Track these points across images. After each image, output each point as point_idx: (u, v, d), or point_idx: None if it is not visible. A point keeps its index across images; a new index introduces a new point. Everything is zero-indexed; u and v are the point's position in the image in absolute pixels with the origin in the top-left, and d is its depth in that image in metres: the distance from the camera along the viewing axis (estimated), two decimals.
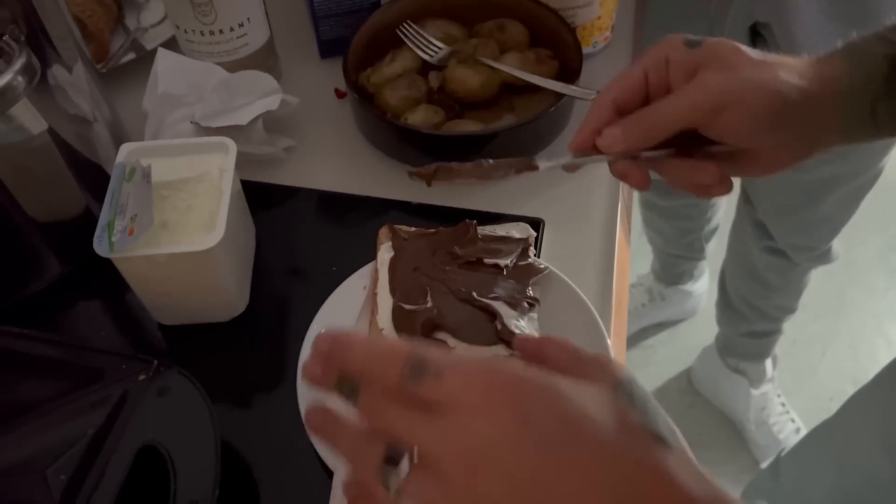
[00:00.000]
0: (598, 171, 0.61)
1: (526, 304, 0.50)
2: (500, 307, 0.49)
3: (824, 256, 1.10)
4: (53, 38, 0.51)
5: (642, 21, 0.81)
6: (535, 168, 0.45)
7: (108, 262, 0.48)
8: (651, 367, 1.55)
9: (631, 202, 0.70)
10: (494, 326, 0.48)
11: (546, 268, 0.52)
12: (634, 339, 1.57)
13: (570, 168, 0.46)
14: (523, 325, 0.49)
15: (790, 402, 1.42)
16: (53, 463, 0.42)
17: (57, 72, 0.52)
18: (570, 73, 0.64)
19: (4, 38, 0.44)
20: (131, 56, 0.70)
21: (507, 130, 0.59)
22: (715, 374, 1.44)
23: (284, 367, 0.51)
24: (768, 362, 1.38)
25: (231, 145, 0.52)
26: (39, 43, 0.49)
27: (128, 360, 0.46)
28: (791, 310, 1.26)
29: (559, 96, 0.60)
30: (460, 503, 0.27)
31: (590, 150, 0.44)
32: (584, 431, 0.27)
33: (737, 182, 1.16)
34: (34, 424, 0.44)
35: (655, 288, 1.53)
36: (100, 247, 0.46)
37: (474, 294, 0.49)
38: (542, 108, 0.59)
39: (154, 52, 0.63)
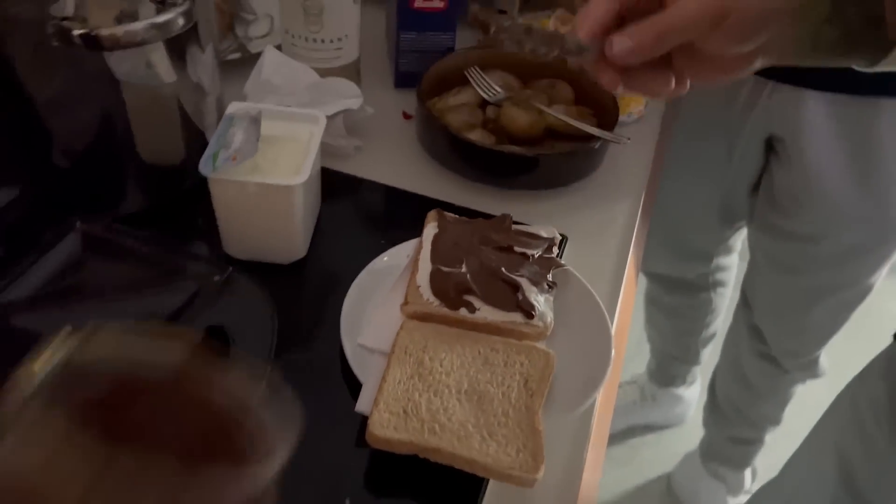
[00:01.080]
0: (618, 203, 0.71)
1: (546, 286, 0.58)
2: (523, 282, 0.57)
3: (812, 367, 1.16)
4: (200, 21, 0.62)
5: (673, 106, 0.92)
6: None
7: (186, 204, 0.56)
8: (633, 467, 1.59)
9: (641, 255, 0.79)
10: (516, 297, 0.56)
11: (565, 264, 0.60)
12: (620, 437, 1.61)
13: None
14: (541, 301, 0.57)
15: None
16: None
17: (194, 47, 0.63)
18: (606, 128, 0.74)
19: None
20: (236, 55, 0.82)
21: (547, 156, 0.69)
22: (695, 478, 1.47)
23: (330, 309, 0.58)
24: (748, 473, 1.42)
25: (321, 117, 0.62)
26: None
27: (206, 263, 0.54)
28: (775, 421, 1.31)
29: (595, 139, 0.71)
30: None
31: (599, 36, 0.44)
32: None
33: (737, 286, 1.25)
34: (126, 300, 0.52)
35: (648, 388, 1.59)
36: (205, 168, 0.55)
37: (503, 269, 0.58)
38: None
39: (255, 56, 0.75)
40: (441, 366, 0.52)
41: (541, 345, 0.55)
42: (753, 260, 1.13)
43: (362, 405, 0.50)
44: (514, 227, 0.63)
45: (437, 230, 0.61)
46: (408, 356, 0.52)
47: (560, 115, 0.74)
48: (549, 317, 0.56)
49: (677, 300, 1.37)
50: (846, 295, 1.02)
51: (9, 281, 0.51)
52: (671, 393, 1.57)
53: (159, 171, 0.66)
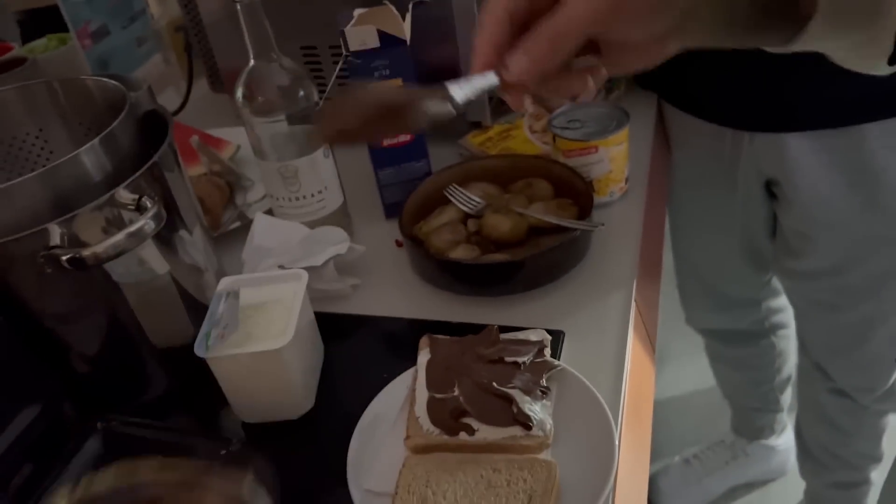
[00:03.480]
0: (613, 284, 0.71)
1: (539, 392, 0.58)
2: (515, 394, 0.58)
3: (889, 398, 1.09)
4: (181, 208, 0.68)
5: (663, 173, 0.93)
6: (450, 98, 0.43)
7: (206, 377, 0.61)
8: None
9: (654, 322, 0.78)
10: (512, 411, 0.57)
11: (559, 364, 0.61)
12: (723, 500, 1.53)
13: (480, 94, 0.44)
14: (537, 409, 0.57)
15: None
16: None
17: (181, 233, 0.69)
18: (585, 214, 0.76)
19: (143, 198, 0.61)
20: (237, 224, 0.88)
21: (531, 258, 0.71)
22: None
23: (340, 457, 0.60)
24: None
25: (303, 275, 0.66)
26: (171, 212, 0.66)
27: (213, 440, 0.57)
28: (875, 458, 1.23)
29: (574, 230, 0.72)
30: None
31: (493, 67, 0.42)
32: None
33: (793, 324, 1.20)
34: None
35: (738, 444, 1.51)
36: (199, 349, 0.60)
37: (494, 384, 0.59)
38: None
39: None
40: (444, 499, 0.53)
41: (545, 454, 0.55)
42: (793, 303, 1.09)
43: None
44: (503, 335, 0.64)
45: (429, 356, 0.63)
46: (411, 495, 0.53)
47: (538, 213, 0.76)
48: (549, 424, 0.57)
49: (739, 351, 1.32)
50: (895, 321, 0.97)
51: (37, 498, 0.55)
52: (763, 445, 1.49)
53: (173, 353, 0.70)
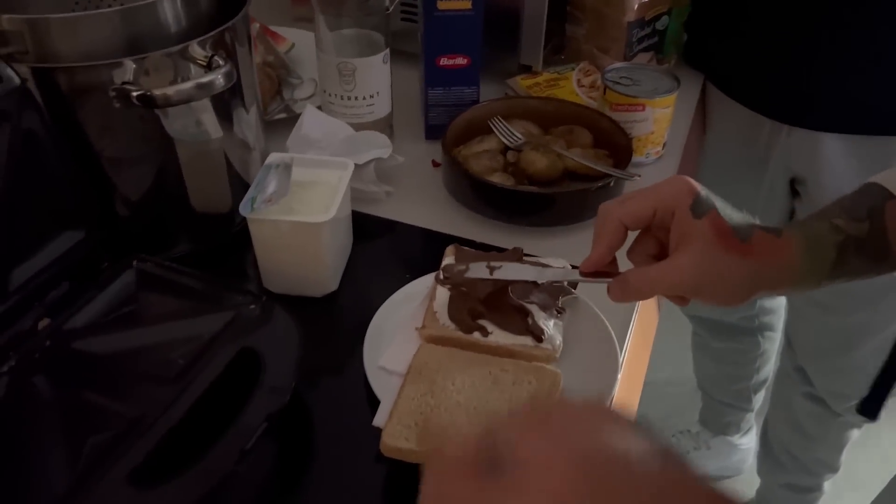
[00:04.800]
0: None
1: (555, 311, 0.62)
2: (532, 308, 0.61)
3: (859, 409, 1.14)
4: (243, 82, 0.70)
5: (694, 149, 0.96)
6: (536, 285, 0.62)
7: (231, 249, 0.63)
8: None
9: None
10: (526, 322, 0.60)
11: (575, 292, 0.64)
12: None
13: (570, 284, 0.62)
14: (550, 325, 0.60)
15: None
16: (177, 350, 0.55)
17: (239, 106, 0.71)
18: (621, 168, 0.79)
19: (215, 56, 0.63)
20: (282, 115, 0.90)
21: (563, 194, 0.74)
22: None
23: (356, 337, 0.63)
24: None
25: (349, 163, 0.69)
26: (236, 82, 0.68)
27: (244, 294, 0.60)
28: (832, 468, 1.28)
29: (609, 177, 0.75)
30: None
31: (603, 266, 0.53)
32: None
33: (781, 327, 1.24)
34: (172, 326, 0.58)
35: (703, 436, 1.56)
36: (244, 209, 0.62)
37: (513, 295, 0.62)
38: None
39: (298, 116, 0.83)
40: (453, 384, 0.56)
41: (550, 366, 0.59)
42: (791, 300, 1.13)
43: (379, 420, 0.54)
44: (526, 258, 0.67)
45: (453, 262, 0.66)
46: (422, 376, 0.56)
47: (576, 157, 0.79)
48: (558, 340, 0.60)
49: (724, 345, 1.36)
50: (884, 335, 1.01)
51: (73, 311, 0.58)
52: (726, 441, 1.54)
53: (209, 217, 0.73)
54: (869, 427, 1.18)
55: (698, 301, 0.51)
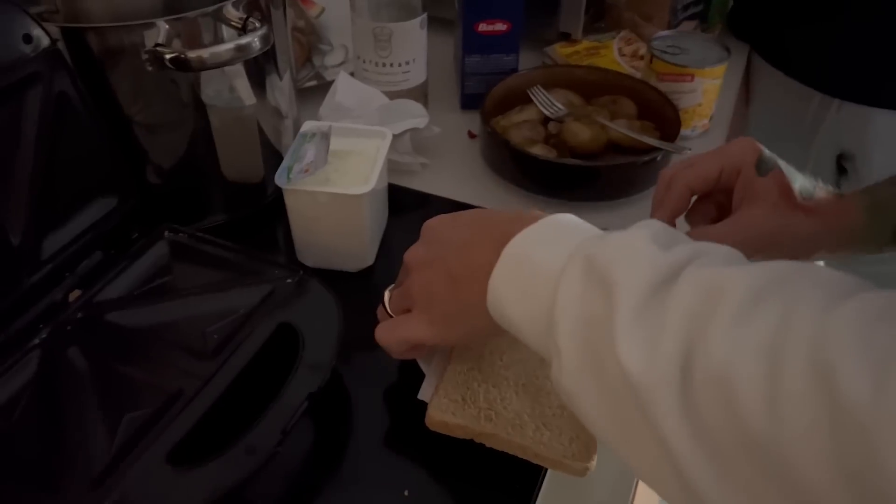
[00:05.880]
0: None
1: None
2: None
3: None
4: (278, 48, 0.67)
5: (738, 124, 0.92)
6: None
7: (265, 219, 0.60)
8: None
9: None
10: None
11: None
12: None
13: None
14: None
15: None
16: (214, 324, 0.53)
17: (273, 73, 0.68)
18: (668, 140, 0.75)
19: (250, 18, 0.60)
20: (313, 83, 0.87)
21: (608, 167, 0.71)
22: None
23: None
24: None
25: (388, 133, 0.66)
26: (269, 50, 0.65)
27: (280, 267, 0.58)
28: None
29: (656, 150, 0.72)
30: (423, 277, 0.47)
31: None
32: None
33: None
34: (207, 299, 0.56)
35: None
36: (280, 179, 0.60)
37: None
38: None
39: (330, 83, 0.80)
40: (501, 360, 0.54)
41: None
42: None
43: (424, 394, 0.52)
44: None
45: None
46: (469, 351, 0.54)
47: (621, 128, 0.76)
48: None
49: None
50: None
51: (105, 282, 0.56)
52: None
53: (240, 187, 0.71)
54: None
55: (771, 254, 0.50)
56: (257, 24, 0.59)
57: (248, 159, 0.70)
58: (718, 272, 0.31)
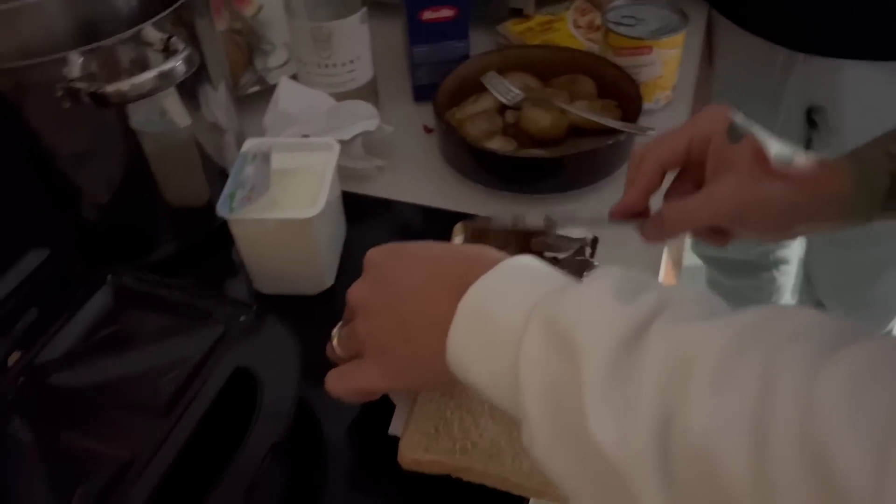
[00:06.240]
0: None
1: None
2: None
3: None
4: (208, 60, 0.63)
5: (703, 86, 0.89)
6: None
7: (217, 243, 0.57)
8: None
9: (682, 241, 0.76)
10: None
11: (597, 265, 0.58)
12: None
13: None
14: None
15: None
16: (165, 376, 0.50)
17: (206, 87, 0.63)
18: (631, 119, 0.72)
19: (172, 38, 0.56)
20: (256, 88, 0.83)
21: (571, 156, 0.67)
22: None
23: None
24: None
25: (335, 144, 0.62)
26: (200, 62, 0.61)
27: (232, 304, 0.55)
28: None
29: (619, 132, 0.68)
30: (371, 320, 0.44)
31: (639, 211, 0.50)
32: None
33: (796, 261, 1.20)
34: (156, 348, 0.52)
35: None
36: (222, 209, 0.56)
37: None
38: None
39: (274, 87, 0.76)
40: None
41: None
42: (809, 237, 1.08)
43: (395, 428, 0.50)
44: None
45: (463, 239, 0.60)
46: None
47: (582, 111, 0.72)
48: None
49: (739, 282, 1.32)
50: None
51: (45, 340, 0.52)
52: None
53: (187, 213, 0.67)
54: None
55: (738, 233, 0.49)
56: (180, 46, 0.55)
57: (190, 183, 0.66)
58: (688, 330, 0.28)
